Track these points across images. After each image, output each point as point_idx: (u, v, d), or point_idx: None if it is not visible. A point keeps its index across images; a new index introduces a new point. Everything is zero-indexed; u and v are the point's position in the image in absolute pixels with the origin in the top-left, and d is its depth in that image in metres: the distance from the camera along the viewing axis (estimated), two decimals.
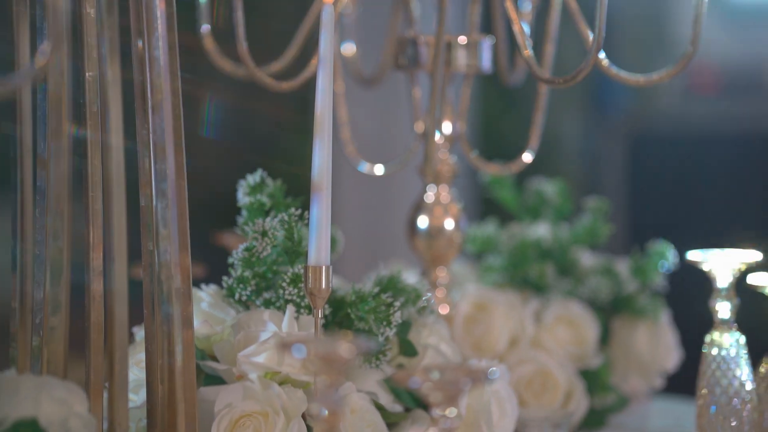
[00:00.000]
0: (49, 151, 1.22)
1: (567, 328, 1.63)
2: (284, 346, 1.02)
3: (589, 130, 4.62)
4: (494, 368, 1.05)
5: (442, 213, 1.59)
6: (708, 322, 1.54)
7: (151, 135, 1.24)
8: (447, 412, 1.04)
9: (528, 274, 1.66)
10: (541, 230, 1.71)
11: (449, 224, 1.59)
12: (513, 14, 1.45)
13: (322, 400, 1.03)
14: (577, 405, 1.56)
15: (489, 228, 1.71)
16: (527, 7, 1.66)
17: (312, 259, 1.28)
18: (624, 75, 1.44)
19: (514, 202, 1.76)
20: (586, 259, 1.71)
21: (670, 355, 1.71)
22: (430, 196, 1.59)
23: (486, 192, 1.77)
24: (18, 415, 1.06)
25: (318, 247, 1.28)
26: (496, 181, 1.75)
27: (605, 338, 1.67)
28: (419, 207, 1.60)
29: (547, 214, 1.73)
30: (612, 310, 1.68)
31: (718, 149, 4.45)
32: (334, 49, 1.44)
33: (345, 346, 1.00)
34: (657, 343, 1.69)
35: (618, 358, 1.68)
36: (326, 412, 1.02)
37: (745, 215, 4.15)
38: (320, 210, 1.27)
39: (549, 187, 1.73)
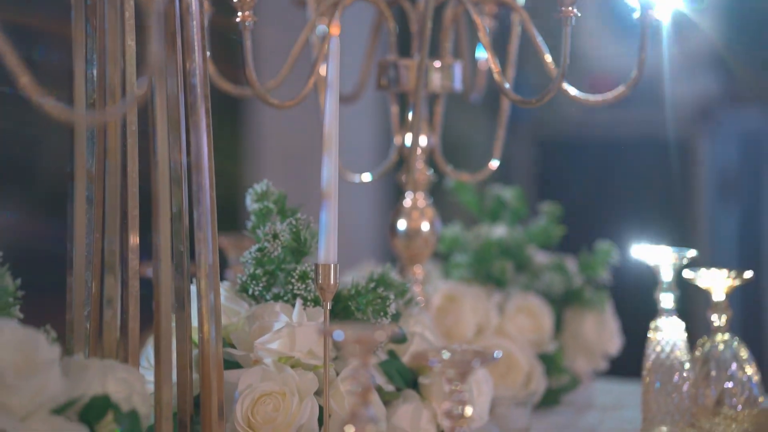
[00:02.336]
0: (99, 167, 1.39)
1: (526, 318, 1.83)
2: (327, 332, 1.20)
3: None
4: (498, 350, 1.24)
5: (418, 216, 1.78)
6: (643, 313, 1.74)
7: (184, 151, 1.41)
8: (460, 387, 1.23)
9: (491, 271, 1.85)
10: (500, 231, 1.91)
11: (425, 226, 1.78)
12: (486, 44, 1.64)
13: (356, 378, 1.21)
14: (537, 385, 1.76)
15: (456, 229, 1.91)
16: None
17: (322, 258, 1.45)
18: (581, 96, 1.64)
19: (475, 206, 1.95)
20: (540, 257, 1.91)
21: (613, 341, 1.91)
22: (408, 202, 1.79)
23: (450, 196, 1.96)
24: (91, 392, 1.22)
25: (327, 248, 1.45)
26: (460, 187, 1.95)
27: (558, 326, 1.87)
28: (398, 211, 1.79)
29: (505, 216, 1.93)
30: (564, 302, 1.88)
31: (616, 152, 4.71)
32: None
33: (380, 331, 1.19)
34: (602, 331, 1.89)
35: (569, 344, 1.88)
36: (360, 388, 1.21)
37: (643, 213, 4.39)
38: (329, 215, 1.45)
39: (507, 193, 1.93)
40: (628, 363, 1.97)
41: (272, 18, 1.61)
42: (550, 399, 1.82)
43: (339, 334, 1.20)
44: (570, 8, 1.54)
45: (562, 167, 4.72)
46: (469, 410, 1.24)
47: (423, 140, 1.77)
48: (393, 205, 1.81)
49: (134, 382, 1.28)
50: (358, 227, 3.49)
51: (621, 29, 5.17)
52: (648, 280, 1.78)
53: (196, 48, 1.39)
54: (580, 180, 4.60)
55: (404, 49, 1.77)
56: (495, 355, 1.23)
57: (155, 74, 1.21)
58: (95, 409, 1.21)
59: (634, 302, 2.10)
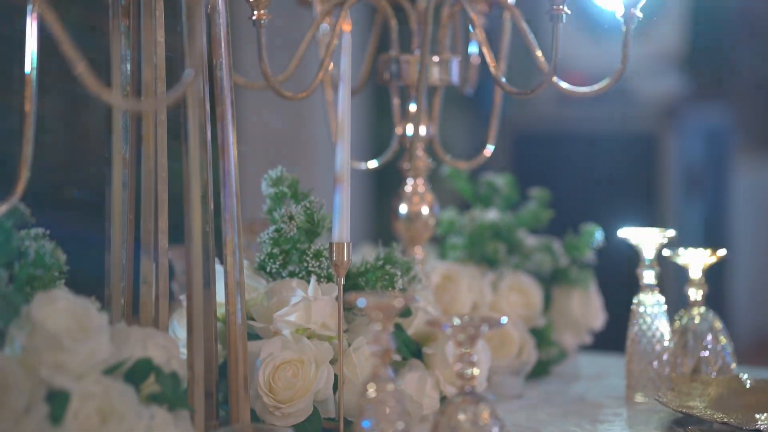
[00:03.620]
0: (132, 153, 1.49)
1: (518, 295, 1.93)
2: (350, 300, 1.30)
3: (475, 131, 4.95)
4: (504, 317, 1.35)
5: (419, 201, 1.88)
6: (622, 291, 1.85)
7: (210, 138, 1.51)
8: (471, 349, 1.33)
9: (485, 252, 1.96)
10: (492, 215, 2.01)
11: (425, 210, 1.89)
12: (482, 39, 1.75)
13: (377, 341, 1.31)
14: (528, 356, 1.86)
15: (452, 214, 2.01)
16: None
17: (336, 237, 1.55)
18: (568, 87, 1.74)
19: (469, 192, 2.06)
20: (529, 239, 2.02)
21: (597, 317, 2.02)
22: (409, 187, 1.89)
23: (445, 183, 2.07)
24: (135, 356, 1.32)
25: (340, 228, 1.55)
26: (454, 174, 2.05)
27: (547, 303, 1.98)
28: (400, 196, 1.89)
29: (497, 202, 2.03)
30: (552, 281, 1.99)
31: (586, 146, 4.83)
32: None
33: (398, 299, 1.29)
34: (587, 307, 2.00)
35: (557, 319, 1.98)
36: (381, 350, 1.31)
37: (613, 205, 4.51)
38: (342, 197, 1.55)
39: (499, 180, 2.04)
40: (611, 337, 2.08)
41: (275, 15, 1.70)
42: (540, 370, 1.93)
43: (362, 301, 1.30)
44: (561, 6, 1.65)
45: (536, 160, 4.84)
46: (477, 371, 1.34)
47: (423, 130, 1.87)
48: (382, 190, 1.91)
49: (172, 348, 1.38)
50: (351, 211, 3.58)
51: (587, 28, 5.30)
52: (624, 262, 1.90)
53: (222, 44, 1.49)
54: (552, 172, 4.72)
55: (394, 45, 1.88)
56: (502, 320, 1.34)
57: (199, 67, 1.30)
58: (139, 371, 1.30)
59: (615, 281, 2.21)
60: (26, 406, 1.20)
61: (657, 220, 4.53)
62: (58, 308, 1.26)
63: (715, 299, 1.81)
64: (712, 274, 1.85)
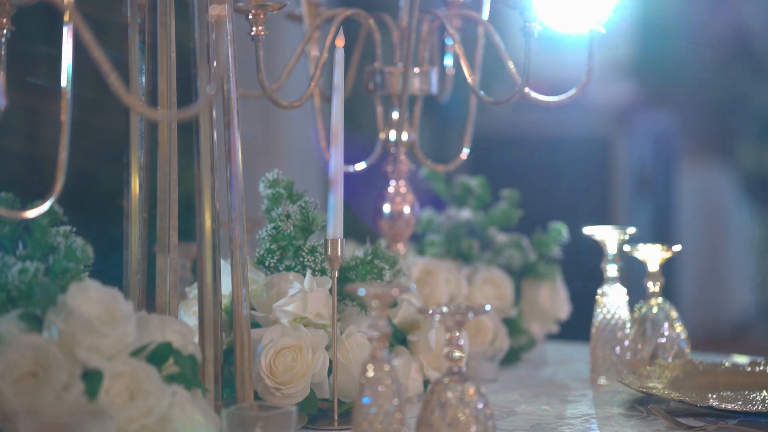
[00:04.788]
0: (147, 158, 1.61)
1: (491, 288, 2.06)
2: (352, 289, 1.43)
3: (437, 134, 5.08)
4: (488, 305, 1.48)
5: (401, 201, 2.01)
6: (584, 284, 1.98)
7: (217, 143, 1.63)
8: (457, 334, 1.46)
9: (460, 248, 2.09)
10: (466, 214, 2.15)
11: (407, 209, 2.02)
12: (461, 53, 1.88)
13: (375, 326, 1.43)
14: (501, 343, 1.99)
15: (429, 213, 2.15)
16: (449, 41, 2.10)
17: (330, 234, 1.68)
18: (541, 98, 1.88)
19: (445, 192, 2.19)
20: (500, 236, 2.15)
21: (563, 308, 2.16)
22: (391, 188, 2.02)
23: (421, 184, 2.20)
24: (156, 341, 1.44)
25: (335, 225, 1.68)
26: (432, 175, 2.19)
27: (517, 295, 2.11)
28: (383, 197, 2.02)
29: (471, 202, 2.17)
30: (521, 274, 2.12)
31: (542, 148, 4.98)
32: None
33: (396, 288, 1.42)
34: (554, 299, 2.13)
35: (526, 310, 2.12)
36: (378, 335, 1.43)
37: (567, 204, 4.66)
38: (336, 198, 1.67)
39: (473, 181, 2.17)
40: (573, 327, 2.22)
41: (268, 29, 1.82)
42: (512, 356, 2.06)
43: (362, 290, 1.43)
44: (534, 23, 1.78)
45: (494, 162, 4.98)
46: (462, 353, 1.46)
47: (405, 136, 2.00)
48: (363, 190, 2.03)
49: (187, 334, 1.50)
50: None
51: (541, 38, 5.44)
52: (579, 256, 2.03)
53: (230, 58, 1.61)
54: (510, 173, 4.86)
55: (378, 58, 2.01)
56: (486, 308, 1.47)
57: (223, 79, 1.43)
58: (161, 353, 1.42)
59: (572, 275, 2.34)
60: (65, 384, 1.31)
61: (610, 217, 4.69)
62: (90, 297, 1.37)
63: (664, 292, 1.95)
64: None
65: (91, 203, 1.68)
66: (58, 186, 1.35)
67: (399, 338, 1.80)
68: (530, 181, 4.77)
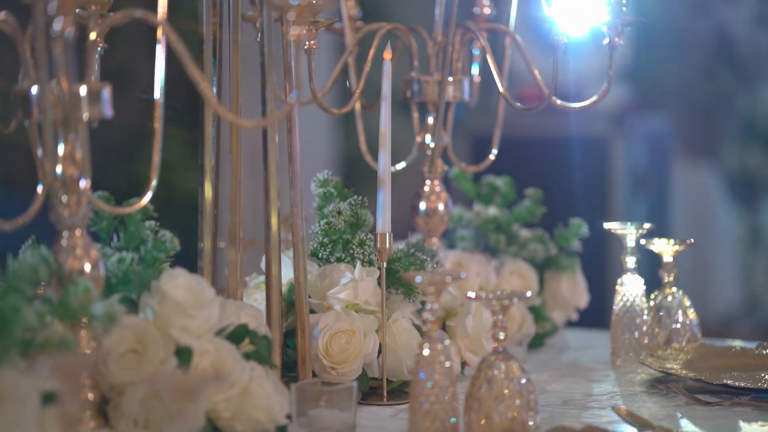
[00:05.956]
0: (217, 160, 1.76)
1: (518, 279, 2.22)
2: (409, 277, 1.58)
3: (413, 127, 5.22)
4: (529, 291, 1.63)
5: (436, 199, 2.17)
6: (602, 276, 2.13)
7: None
8: (501, 319, 1.61)
9: (488, 242, 2.25)
10: (492, 211, 2.30)
11: (441, 207, 2.17)
12: (493, 64, 2.04)
13: (430, 310, 1.58)
14: (527, 330, 2.15)
15: (460, 210, 2.30)
16: (476, 51, 2.25)
17: (379, 228, 1.83)
18: (565, 104, 2.03)
19: (472, 191, 2.34)
20: (522, 232, 2.31)
21: (582, 297, 2.31)
22: (427, 187, 2.18)
23: (451, 183, 2.35)
24: (234, 323, 1.59)
25: (383, 220, 1.83)
26: (460, 175, 2.34)
27: (541, 286, 2.27)
28: (420, 195, 2.18)
29: (496, 200, 2.32)
30: (544, 266, 2.28)
31: (542, 149, 5.13)
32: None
33: (449, 276, 1.57)
34: (574, 289, 2.29)
35: (548, 299, 2.27)
36: (434, 318, 1.58)
37: (565, 203, 4.81)
38: (384, 196, 1.82)
39: (499, 181, 2.33)
40: (591, 316, 2.38)
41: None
42: (536, 342, 2.22)
43: (419, 278, 1.58)
44: (560, 36, 1.94)
45: (498, 161, 5.12)
46: (507, 334, 1.62)
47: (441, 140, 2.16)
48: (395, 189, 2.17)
49: (259, 317, 1.65)
50: None
51: (540, 47, 5.60)
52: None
53: (293, 71, 1.76)
54: (510, 173, 5.00)
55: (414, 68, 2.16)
56: (527, 293, 1.62)
57: (300, 92, 1.58)
58: (239, 334, 1.57)
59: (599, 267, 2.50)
60: (162, 359, 1.46)
61: (608, 214, 4.84)
62: (179, 283, 1.53)
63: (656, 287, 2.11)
64: (654, 263, 2.14)
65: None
66: (152, 185, 1.50)
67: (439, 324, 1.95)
68: (531, 179, 4.91)
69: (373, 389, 1.86)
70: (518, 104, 2.03)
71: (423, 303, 1.93)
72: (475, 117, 5.06)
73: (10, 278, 1.26)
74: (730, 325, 5.99)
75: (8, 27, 1.41)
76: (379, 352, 1.84)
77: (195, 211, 1.74)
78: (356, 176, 4.58)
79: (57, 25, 1.29)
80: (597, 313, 2.27)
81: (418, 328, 1.90)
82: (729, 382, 1.84)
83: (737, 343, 2.08)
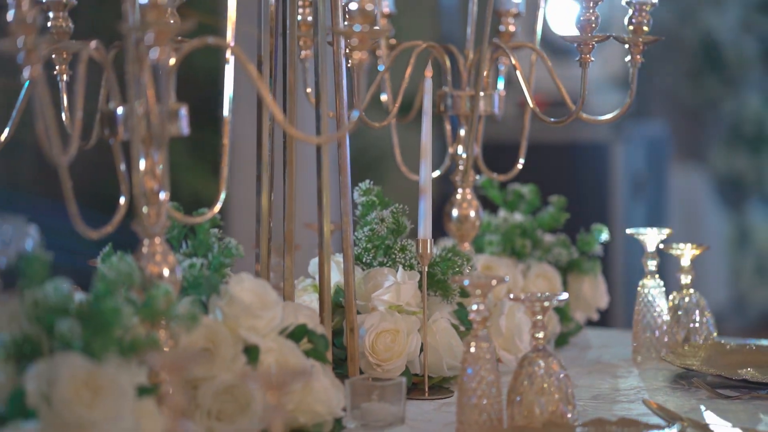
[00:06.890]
0: (272, 173, 1.87)
1: (543, 281, 2.33)
2: (455, 281, 1.69)
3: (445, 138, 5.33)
4: (564, 294, 1.74)
5: (467, 206, 2.28)
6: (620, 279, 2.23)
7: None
8: (539, 328, 1.72)
9: (515, 247, 2.36)
10: (517, 218, 2.41)
11: (472, 213, 2.28)
12: (523, 79, 2.15)
13: (477, 313, 1.69)
14: (553, 328, 2.26)
15: (487, 216, 2.41)
16: (501, 67, 2.36)
17: (421, 234, 1.94)
18: (589, 117, 2.14)
19: (499, 199, 2.45)
20: (546, 237, 2.42)
21: (603, 298, 2.42)
22: (459, 195, 2.28)
23: (479, 191, 2.46)
24: (294, 323, 1.69)
25: (425, 227, 1.93)
26: (487, 183, 2.45)
27: (564, 287, 2.38)
28: (452, 202, 2.29)
29: (521, 206, 2.43)
30: (567, 269, 2.39)
31: (545, 153, 5.24)
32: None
33: (494, 279, 1.68)
34: (595, 290, 2.40)
35: (571, 300, 2.38)
36: (480, 318, 1.69)
37: (571, 201, 4.91)
38: (426, 204, 1.93)
39: (524, 189, 2.44)
40: (613, 316, 2.49)
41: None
42: (561, 340, 2.33)
43: (466, 281, 1.69)
44: (588, 56, 2.05)
45: (501, 166, 5.24)
46: (546, 333, 1.73)
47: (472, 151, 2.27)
48: None
49: (314, 317, 1.75)
50: None
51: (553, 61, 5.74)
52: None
53: (344, 87, 1.87)
54: (517, 177, 5.12)
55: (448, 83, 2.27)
56: (564, 296, 1.73)
57: (360, 108, 1.68)
58: (299, 333, 1.68)
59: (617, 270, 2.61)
60: (232, 357, 1.57)
61: (609, 217, 4.96)
62: (246, 286, 1.63)
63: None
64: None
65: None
66: (221, 196, 1.61)
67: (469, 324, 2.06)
68: (535, 183, 5.03)
69: (415, 385, 1.97)
70: (547, 118, 2.14)
71: (459, 304, 2.07)
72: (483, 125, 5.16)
73: (106, 282, 1.37)
74: (718, 324, 6.11)
75: (100, 55, 1.51)
76: (421, 350, 1.95)
77: (197, 210, 1.82)
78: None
79: (153, 55, 1.39)
80: (600, 313, 2.39)
81: (456, 328, 2.01)
82: (747, 377, 1.95)
83: (752, 342, 2.19)
